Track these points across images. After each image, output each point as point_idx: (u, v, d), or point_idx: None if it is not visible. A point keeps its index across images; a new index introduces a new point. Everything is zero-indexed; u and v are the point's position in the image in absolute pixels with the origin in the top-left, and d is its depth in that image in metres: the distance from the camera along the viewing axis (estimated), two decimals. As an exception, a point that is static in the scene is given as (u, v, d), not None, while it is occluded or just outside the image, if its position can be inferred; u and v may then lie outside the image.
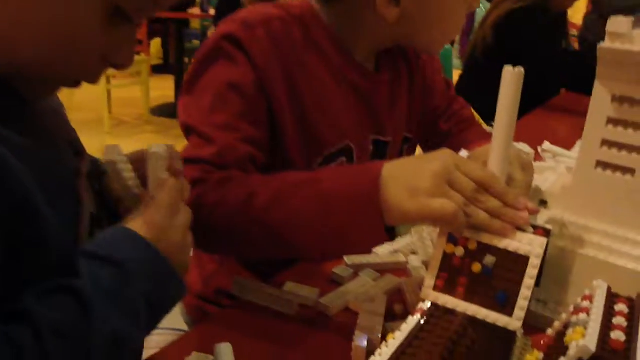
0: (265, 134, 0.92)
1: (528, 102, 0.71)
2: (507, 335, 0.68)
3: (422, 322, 0.51)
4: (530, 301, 0.73)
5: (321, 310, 0.81)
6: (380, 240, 0.73)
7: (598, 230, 0.76)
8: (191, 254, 0.68)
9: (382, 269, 0.91)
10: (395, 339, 0.48)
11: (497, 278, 0.68)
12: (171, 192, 0.64)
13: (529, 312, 0.74)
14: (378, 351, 0.48)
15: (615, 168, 0.75)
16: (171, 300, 0.63)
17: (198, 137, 0.88)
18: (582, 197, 0.77)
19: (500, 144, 0.70)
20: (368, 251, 0.95)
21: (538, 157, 1.43)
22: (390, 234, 0.72)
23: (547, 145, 1.52)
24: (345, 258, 0.92)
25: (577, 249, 0.76)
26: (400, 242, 0.98)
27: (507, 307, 0.68)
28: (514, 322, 0.67)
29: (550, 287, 0.77)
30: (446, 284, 0.70)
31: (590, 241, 0.76)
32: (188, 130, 0.90)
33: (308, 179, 0.78)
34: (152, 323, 0.61)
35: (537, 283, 0.73)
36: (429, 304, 0.54)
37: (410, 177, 0.70)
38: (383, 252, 0.96)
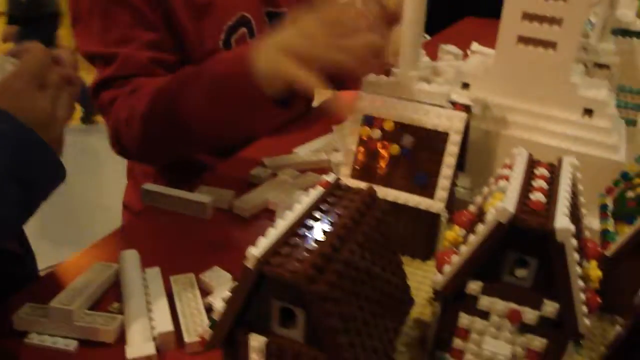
0: (164, 34, 0.91)
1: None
2: (431, 218, 0.65)
3: (324, 193, 0.46)
4: (455, 187, 0.70)
5: (237, 212, 0.76)
6: (278, 113, 0.73)
7: (521, 109, 0.73)
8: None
9: (303, 169, 0.86)
10: (293, 211, 0.43)
11: (416, 159, 0.64)
12: (32, 61, 0.57)
13: (455, 200, 0.70)
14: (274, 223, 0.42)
15: (537, 43, 0.72)
16: (48, 175, 0.55)
17: (101, 60, 0.89)
18: (504, 76, 0.74)
19: None
20: (288, 151, 0.91)
21: (467, 57, 1.40)
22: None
23: (475, 45, 1.47)
24: (264, 159, 0.87)
25: (501, 130, 0.73)
26: (322, 141, 0.94)
27: (428, 189, 0.64)
28: (436, 204, 0.64)
29: (475, 172, 0.74)
30: (363, 170, 0.66)
31: (514, 121, 0.73)
32: (91, 58, 0.90)
33: (198, 70, 0.78)
34: (29, 203, 0.54)
35: (462, 167, 0.70)
36: (333, 177, 0.49)
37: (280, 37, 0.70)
38: (304, 151, 0.91)
